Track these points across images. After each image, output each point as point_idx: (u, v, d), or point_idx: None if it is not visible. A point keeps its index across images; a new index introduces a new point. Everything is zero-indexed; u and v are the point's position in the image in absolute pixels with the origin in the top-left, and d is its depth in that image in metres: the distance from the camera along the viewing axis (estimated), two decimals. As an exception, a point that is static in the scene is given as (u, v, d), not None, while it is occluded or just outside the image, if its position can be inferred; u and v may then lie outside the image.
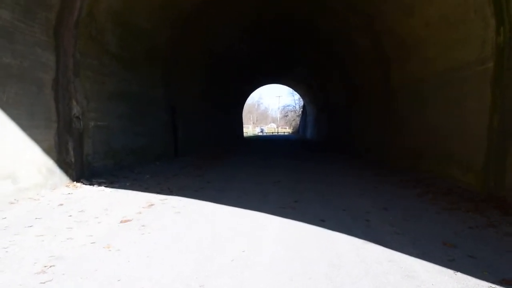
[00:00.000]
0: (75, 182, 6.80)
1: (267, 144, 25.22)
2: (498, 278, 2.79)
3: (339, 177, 8.23)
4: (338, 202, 5.54)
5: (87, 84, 7.41)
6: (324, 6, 12.39)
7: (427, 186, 6.78)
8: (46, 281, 2.74)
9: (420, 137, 8.54)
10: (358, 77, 14.14)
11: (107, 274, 2.88)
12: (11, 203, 5.18)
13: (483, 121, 6.01)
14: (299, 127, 47.36)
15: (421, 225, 4.27)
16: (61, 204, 5.29)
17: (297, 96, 51.24)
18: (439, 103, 7.67)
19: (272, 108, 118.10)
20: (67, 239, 3.73)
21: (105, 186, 6.75)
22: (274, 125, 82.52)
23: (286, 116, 69.42)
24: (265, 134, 62.28)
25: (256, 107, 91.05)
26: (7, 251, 3.34)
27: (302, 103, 44.98)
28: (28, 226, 4.16)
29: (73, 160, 6.87)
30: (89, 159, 7.50)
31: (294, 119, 59.40)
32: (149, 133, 10.67)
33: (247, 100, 37.62)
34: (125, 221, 4.43)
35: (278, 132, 67.86)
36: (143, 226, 4.22)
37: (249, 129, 65.25)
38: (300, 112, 48.21)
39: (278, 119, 79.41)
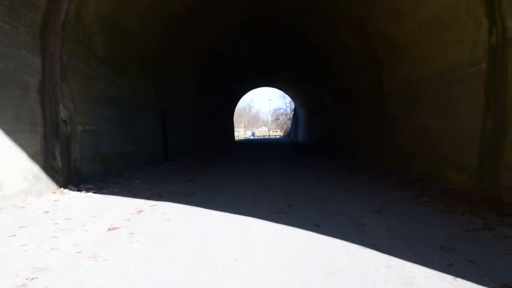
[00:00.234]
0: (62, 188, 6.61)
1: (258, 147, 25.11)
2: (499, 283, 2.71)
3: (332, 180, 8.14)
4: (332, 206, 5.44)
5: (75, 87, 7.24)
6: (314, 8, 12.37)
7: (422, 188, 6.72)
8: (27, 295, 2.59)
9: (413, 139, 8.50)
10: (350, 78, 14.11)
11: (92, 286, 2.73)
12: (-6, 211, 4.98)
13: (476, 122, 5.99)
14: (290, 130, 47.33)
15: (418, 228, 4.17)
16: (47, 212, 5.11)
17: (288, 99, 51.48)
18: (432, 105, 7.64)
19: (263, 111, 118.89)
20: (52, 248, 3.57)
21: (93, 192, 6.57)
22: (265, 128, 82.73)
23: (277, 119, 69.55)
24: (256, 137, 62.32)
25: (247, 110, 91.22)
26: (-14, 263, 3.17)
27: (293, 106, 44.99)
28: (12, 236, 3.99)
29: (60, 165, 6.67)
30: (77, 164, 7.30)
31: (285, 122, 59.43)
32: (139, 137, 10.49)
33: (238, 104, 37.62)
34: (113, 228, 4.28)
35: (269, 136, 67.98)
36: (131, 233, 4.07)
37: (240, 133, 65.28)
38: (291, 115, 48.22)
39: (269, 122, 79.60)
